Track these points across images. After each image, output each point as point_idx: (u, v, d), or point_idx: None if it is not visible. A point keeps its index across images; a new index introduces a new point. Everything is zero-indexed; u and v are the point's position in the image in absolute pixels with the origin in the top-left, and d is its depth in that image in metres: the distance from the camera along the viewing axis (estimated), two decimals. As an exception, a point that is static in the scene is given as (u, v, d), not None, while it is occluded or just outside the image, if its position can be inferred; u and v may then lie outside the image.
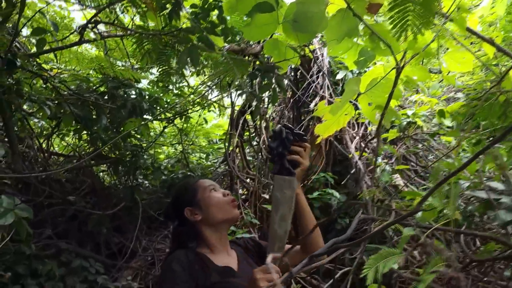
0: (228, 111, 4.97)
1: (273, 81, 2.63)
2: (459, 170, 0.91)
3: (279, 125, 1.53)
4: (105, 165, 4.58)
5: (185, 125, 5.07)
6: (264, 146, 3.98)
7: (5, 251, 3.29)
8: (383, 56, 2.36)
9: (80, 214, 4.26)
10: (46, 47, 2.91)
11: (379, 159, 3.05)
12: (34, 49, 3.41)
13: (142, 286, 4.00)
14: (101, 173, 5.41)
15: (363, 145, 3.35)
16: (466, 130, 2.54)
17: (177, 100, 4.70)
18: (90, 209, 4.23)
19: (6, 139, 3.26)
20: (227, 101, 4.98)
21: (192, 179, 1.76)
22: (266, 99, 4.19)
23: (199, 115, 4.84)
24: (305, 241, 1.56)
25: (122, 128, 4.29)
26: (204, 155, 5.75)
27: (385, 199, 2.45)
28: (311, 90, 4.08)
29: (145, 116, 3.78)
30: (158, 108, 3.79)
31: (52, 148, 5.00)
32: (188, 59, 2.36)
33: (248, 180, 4.14)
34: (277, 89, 2.81)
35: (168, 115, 4.61)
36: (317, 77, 4.15)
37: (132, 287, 3.80)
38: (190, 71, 3.44)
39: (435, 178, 1.89)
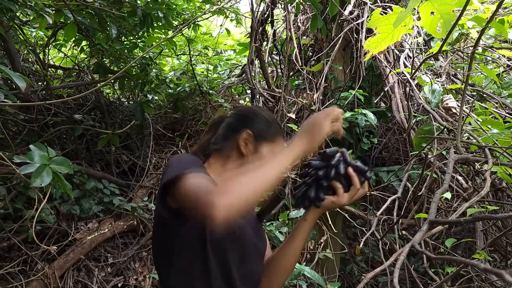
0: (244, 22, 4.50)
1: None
2: None
3: (336, 149, 1.20)
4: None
5: (193, 35, 4.61)
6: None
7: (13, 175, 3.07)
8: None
9: (87, 132, 4.00)
10: None
11: (425, 77, 2.74)
12: None
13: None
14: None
15: (405, 60, 3.00)
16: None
17: (185, 6, 4.21)
18: (97, 127, 3.96)
19: (4, 53, 2.84)
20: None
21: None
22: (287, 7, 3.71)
23: (220, 25, 4.36)
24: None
25: (125, 39, 3.86)
26: (212, 67, 5.34)
27: (448, 127, 2.20)
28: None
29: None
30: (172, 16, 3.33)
31: (48, 60, 4.57)
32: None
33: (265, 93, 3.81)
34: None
35: (176, 23, 4.14)
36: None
37: (149, 208, 3.67)
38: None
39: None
